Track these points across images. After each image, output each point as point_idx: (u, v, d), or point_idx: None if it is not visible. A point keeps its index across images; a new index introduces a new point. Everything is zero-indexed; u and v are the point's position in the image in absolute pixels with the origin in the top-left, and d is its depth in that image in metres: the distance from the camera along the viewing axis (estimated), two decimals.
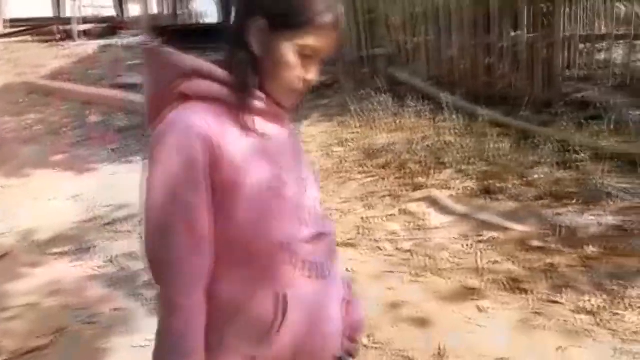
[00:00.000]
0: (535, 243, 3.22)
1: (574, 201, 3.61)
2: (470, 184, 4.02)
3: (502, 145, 4.40)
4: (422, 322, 2.57)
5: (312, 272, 1.01)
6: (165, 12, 14.13)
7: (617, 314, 2.57)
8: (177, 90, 0.95)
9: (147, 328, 2.59)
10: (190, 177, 0.90)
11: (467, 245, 3.28)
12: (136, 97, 6.96)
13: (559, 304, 2.67)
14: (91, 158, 5.30)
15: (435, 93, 5.57)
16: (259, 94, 0.98)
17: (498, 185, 3.91)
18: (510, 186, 3.89)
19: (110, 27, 12.63)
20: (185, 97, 0.95)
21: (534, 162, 4.16)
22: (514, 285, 2.82)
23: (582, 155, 3.99)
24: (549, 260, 3.02)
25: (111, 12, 14.65)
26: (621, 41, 5.21)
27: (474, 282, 2.88)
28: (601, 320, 2.53)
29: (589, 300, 2.66)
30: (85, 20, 12.53)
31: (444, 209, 3.75)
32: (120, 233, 3.66)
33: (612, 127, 4.41)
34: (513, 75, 5.52)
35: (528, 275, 2.91)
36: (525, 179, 3.99)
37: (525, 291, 2.77)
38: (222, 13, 13.26)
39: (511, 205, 3.71)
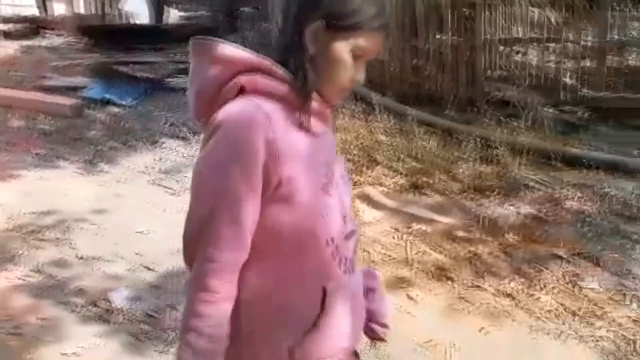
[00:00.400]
0: (460, 233, 3.41)
1: (495, 193, 3.85)
2: (400, 180, 4.18)
3: (429, 143, 4.60)
4: None
5: (347, 268, 1.05)
6: (93, 12, 13.59)
7: (533, 295, 2.78)
8: (237, 84, 0.97)
9: (76, 335, 2.54)
10: (245, 169, 0.92)
11: (397, 237, 3.42)
12: (62, 100, 6.67)
13: (481, 289, 2.85)
14: (14, 164, 5.02)
15: (367, 94, 5.72)
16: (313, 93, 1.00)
17: (425, 180, 4.10)
18: (436, 181, 4.09)
19: (33, 27, 11.99)
20: (244, 92, 0.97)
21: (458, 158, 4.38)
22: (441, 273, 2.98)
23: (502, 150, 4.26)
24: (472, 249, 3.21)
25: (34, 11, 13.91)
26: (535, 44, 5.58)
27: (404, 272, 3.01)
28: (519, 301, 2.73)
29: (509, 284, 2.87)
30: (4, 20, 11.83)
31: (376, 204, 3.89)
32: (47, 241, 3.51)
33: (528, 123, 4.73)
34: (439, 77, 5.77)
35: (454, 263, 3.08)
36: (450, 174, 4.21)
37: (451, 279, 2.93)
38: (154, 15, 12.93)
39: (438, 198, 3.90)
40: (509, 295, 2.78)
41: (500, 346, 2.42)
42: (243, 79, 0.97)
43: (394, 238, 3.41)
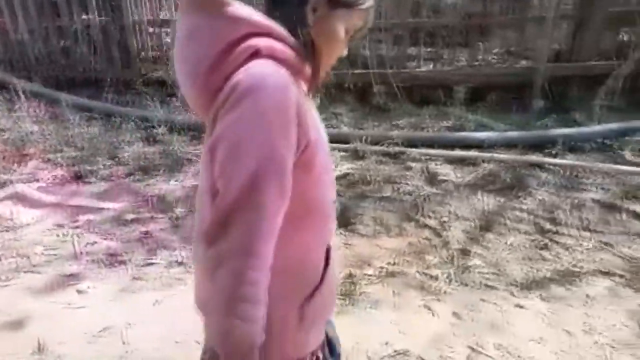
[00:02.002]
0: (131, 216, 3.44)
1: (161, 171, 4.00)
2: (60, 171, 3.91)
3: (89, 129, 4.42)
4: (18, 324, 2.43)
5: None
6: None
7: None
8: (252, 46, 0.89)
9: None
10: (288, 135, 0.87)
11: (62, 234, 3.22)
12: None
13: (155, 264, 2.96)
14: None
15: (8, 80, 5.05)
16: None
17: (89, 168, 3.94)
18: (101, 167, 3.99)
19: None
20: (256, 56, 0.89)
21: (121, 141, 4.35)
22: (113, 259, 2.97)
23: (162, 129, 4.41)
24: (143, 229, 3.28)
25: None
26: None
27: (72, 268, 2.88)
28: (189, 268, 2.95)
29: (180, 254, 3.06)
30: None
31: (33, 203, 3.55)
32: None
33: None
34: (91, 58, 5.52)
35: (126, 247, 3.10)
36: (115, 159, 4.15)
37: (124, 262, 2.95)
38: None
39: (104, 185, 3.82)
40: (180, 263, 2.98)
41: (176, 309, 2.59)
42: (260, 42, 0.91)
43: (58, 236, 3.20)
